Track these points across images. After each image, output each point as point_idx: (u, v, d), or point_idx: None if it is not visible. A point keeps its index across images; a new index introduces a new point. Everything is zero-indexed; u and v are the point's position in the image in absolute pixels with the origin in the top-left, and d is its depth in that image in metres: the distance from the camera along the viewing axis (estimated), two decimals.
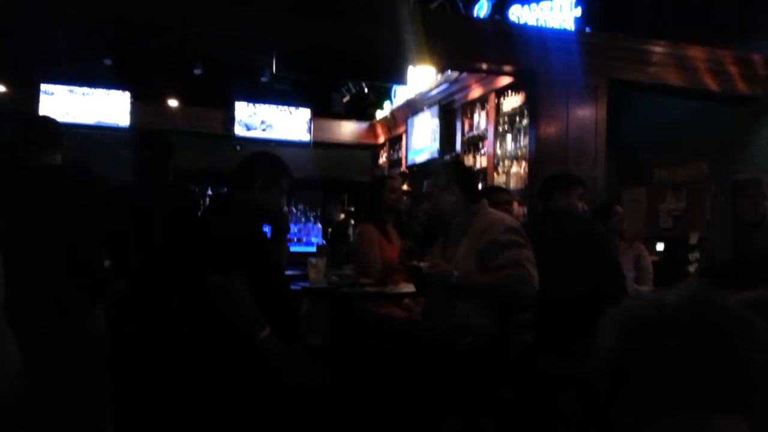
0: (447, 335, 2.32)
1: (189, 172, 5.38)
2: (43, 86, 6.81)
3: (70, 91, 6.92)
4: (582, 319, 1.49)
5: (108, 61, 6.62)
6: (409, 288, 2.96)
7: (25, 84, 6.76)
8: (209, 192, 6.48)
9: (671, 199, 5.64)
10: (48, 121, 2.71)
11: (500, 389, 2.30)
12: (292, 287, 2.87)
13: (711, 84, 5.02)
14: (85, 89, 6.97)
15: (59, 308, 2.38)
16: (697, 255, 4.40)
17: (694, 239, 4.71)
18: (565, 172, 3.79)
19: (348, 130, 8.43)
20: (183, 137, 6.70)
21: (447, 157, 6.07)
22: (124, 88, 7.05)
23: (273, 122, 7.83)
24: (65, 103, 6.85)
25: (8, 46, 5.64)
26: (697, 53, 4.98)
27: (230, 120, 7.63)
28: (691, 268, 4.35)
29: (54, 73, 6.73)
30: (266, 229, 2.57)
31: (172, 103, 7.62)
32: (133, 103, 7.14)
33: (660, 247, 5.21)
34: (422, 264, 2.45)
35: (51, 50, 5.56)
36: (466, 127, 6.16)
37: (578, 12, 5.50)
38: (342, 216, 6.86)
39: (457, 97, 6.24)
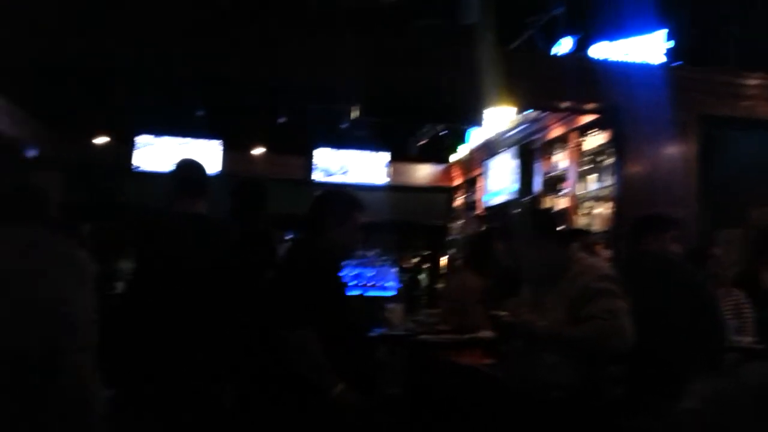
0: (531, 389, 2.21)
1: (271, 216, 5.53)
2: (141, 138, 7.28)
3: (171, 140, 7.35)
4: (678, 375, 1.38)
5: (200, 113, 7.00)
6: (488, 335, 2.86)
7: (122, 136, 7.27)
8: (288, 236, 6.63)
9: None
10: (194, 166, 2.67)
11: None
12: (369, 335, 2.85)
13: None
14: (179, 139, 7.39)
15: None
16: None
17: None
18: (658, 212, 3.60)
19: (424, 173, 8.48)
20: (266, 183, 6.92)
21: (526, 199, 5.94)
22: (215, 138, 7.42)
23: (351, 167, 7.99)
24: (162, 153, 7.27)
25: (107, 100, 6.11)
26: None
27: (310, 166, 7.86)
28: None
29: (150, 125, 7.19)
30: None
31: (258, 151, 7.96)
32: (223, 152, 7.51)
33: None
34: (504, 313, 2.37)
35: (148, 103, 5.97)
36: (546, 167, 6.03)
37: (670, 44, 5.33)
38: (413, 260, 6.88)
39: (536, 136, 6.14)
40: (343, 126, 7.24)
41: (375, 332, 3.10)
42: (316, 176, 7.84)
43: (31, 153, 6.52)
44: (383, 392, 2.88)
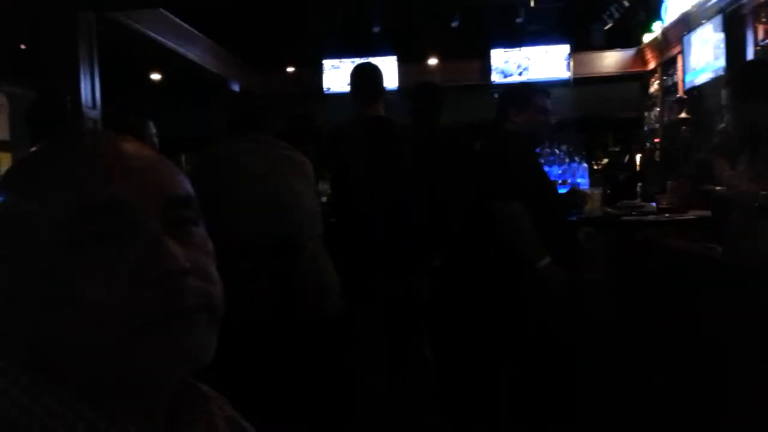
0: (754, 265, 2.08)
1: (451, 126, 5.62)
2: (327, 62, 7.69)
3: (352, 62, 7.68)
4: None
5: (376, 29, 7.17)
6: (700, 214, 2.71)
7: (309, 62, 7.74)
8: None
9: None
10: (364, 69, 2.76)
11: None
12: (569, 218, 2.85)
13: None
14: (360, 59, 7.67)
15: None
16: None
17: None
18: None
19: (611, 61, 7.85)
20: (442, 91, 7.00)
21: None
22: (390, 54, 7.59)
23: (529, 64, 7.69)
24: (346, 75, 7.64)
25: (293, 29, 6.51)
26: None
27: (487, 69, 7.71)
28: None
29: (334, 49, 7.55)
30: None
31: (432, 61, 7.98)
32: (398, 67, 7.66)
33: None
34: (717, 188, 2.23)
35: (330, 28, 6.24)
36: (760, 35, 5.25)
37: None
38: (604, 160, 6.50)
39: (745, 1, 5.34)
40: (520, 21, 6.94)
41: (573, 217, 3.08)
42: (495, 78, 7.68)
43: (235, 87, 7.27)
44: (585, 276, 2.91)
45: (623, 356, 2.57)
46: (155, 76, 7.37)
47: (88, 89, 4.06)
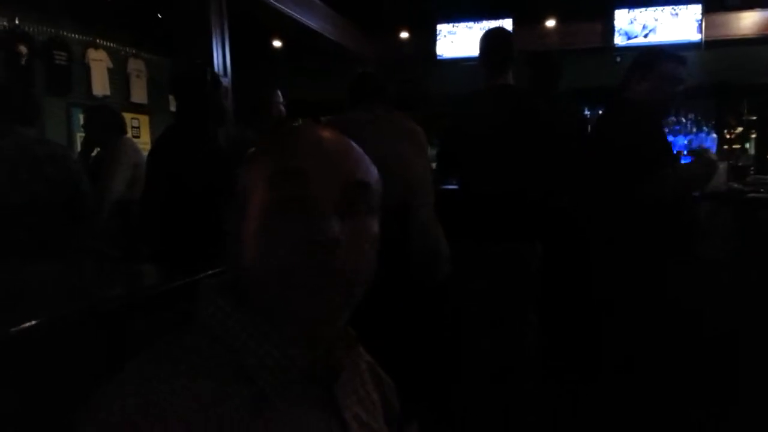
0: None
1: (570, 92, 5.42)
2: (441, 27, 7.64)
3: (468, 27, 7.60)
4: None
5: None
6: None
7: (423, 27, 7.72)
8: (587, 113, 6.37)
9: None
10: (492, 35, 2.73)
11: None
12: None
13: None
14: (474, 23, 7.56)
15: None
16: None
17: None
18: None
19: (749, 22, 7.17)
20: (560, 57, 6.74)
21: None
22: (507, 17, 7.41)
23: (656, 26, 7.21)
24: (461, 39, 7.57)
25: None
26: None
27: (610, 31, 7.33)
28: None
29: (447, 13, 7.48)
30: None
31: (550, 23, 7.70)
32: (515, 29, 7.46)
33: None
34: None
35: None
36: None
37: None
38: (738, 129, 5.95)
39: None
40: None
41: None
42: (618, 41, 7.29)
43: (349, 53, 7.43)
44: (704, 256, 2.80)
45: (737, 335, 2.48)
46: (277, 44, 7.68)
47: (220, 57, 4.34)
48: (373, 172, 0.74)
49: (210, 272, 1.11)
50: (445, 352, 2.57)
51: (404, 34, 8.03)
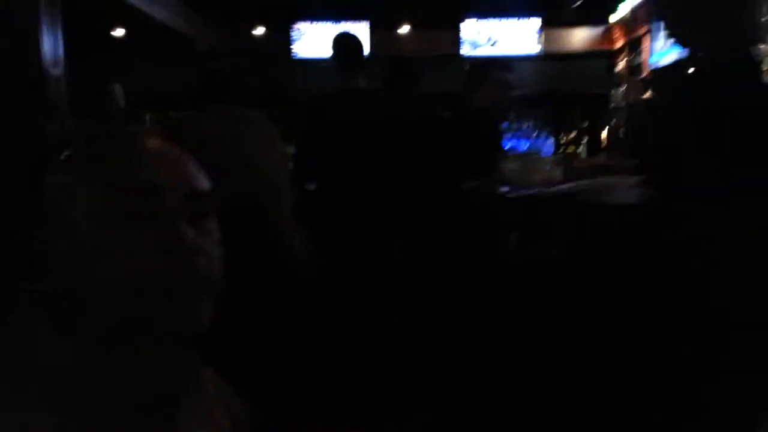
0: None
1: (428, 98, 5.63)
2: (298, 25, 7.54)
3: (324, 28, 7.53)
4: None
5: None
6: None
7: (278, 25, 7.59)
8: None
9: None
10: (344, 38, 2.74)
11: None
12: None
13: None
14: (330, 24, 7.56)
15: None
16: None
17: None
18: None
19: (581, 37, 7.93)
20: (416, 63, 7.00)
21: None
22: (363, 19, 7.49)
23: (499, 37, 7.70)
24: (316, 39, 7.51)
25: None
26: None
27: (459, 40, 7.70)
28: None
29: (304, 12, 7.42)
30: None
31: (405, 29, 7.92)
32: (370, 34, 7.57)
33: None
34: None
35: None
36: None
37: None
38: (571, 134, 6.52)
39: None
40: None
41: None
42: (464, 50, 7.68)
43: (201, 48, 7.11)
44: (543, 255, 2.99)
45: None
46: (118, 34, 7.14)
47: (50, 45, 3.91)
48: (205, 178, 0.75)
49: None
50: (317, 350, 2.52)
51: (260, 31, 7.84)
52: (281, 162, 2.57)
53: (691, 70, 2.05)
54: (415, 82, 3.33)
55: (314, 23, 7.57)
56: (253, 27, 7.76)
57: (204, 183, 0.74)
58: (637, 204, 2.04)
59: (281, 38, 7.60)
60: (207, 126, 2.40)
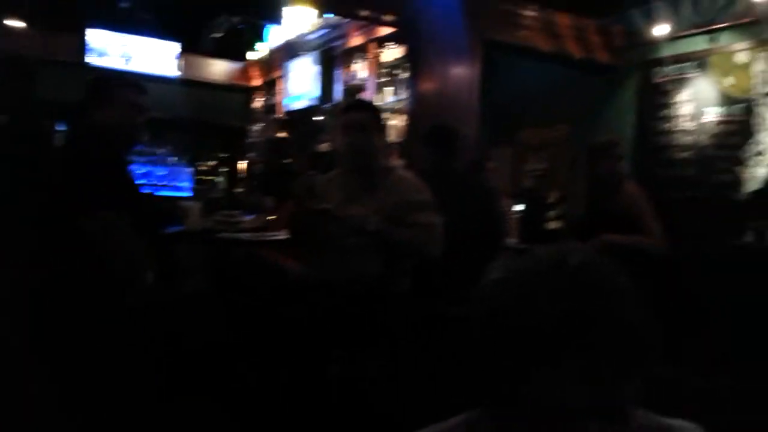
0: (339, 282, 2.32)
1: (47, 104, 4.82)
2: None
3: None
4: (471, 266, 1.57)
5: None
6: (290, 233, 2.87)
7: None
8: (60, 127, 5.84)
9: (533, 160, 6.04)
10: None
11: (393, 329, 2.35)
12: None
13: (575, 51, 5.35)
14: None
15: None
16: (555, 212, 4.77)
17: (553, 198, 5.09)
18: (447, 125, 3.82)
19: (220, 69, 8.01)
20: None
21: (326, 106, 6.00)
22: None
23: (135, 54, 7.21)
24: None
25: None
26: (563, 20, 5.25)
27: (83, 46, 6.91)
28: (551, 225, 4.73)
29: None
30: None
31: (18, 24, 6.70)
32: None
33: (521, 206, 5.48)
34: (328, 206, 2.38)
35: None
36: (346, 76, 6.09)
37: None
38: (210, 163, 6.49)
39: (337, 43, 6.13)
40: (124, 5, 6.45)
41: (171, 230, 2.97)
42: (91, 60, 6.94)
43: None
44: (183, 291, 2.83)
45: None
46: None
47: None
48: None
49: None
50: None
51: None
52: None
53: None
54: (28, 84, 2.81)
55: None
56: None
57: None
58: None
59: None
60: None
